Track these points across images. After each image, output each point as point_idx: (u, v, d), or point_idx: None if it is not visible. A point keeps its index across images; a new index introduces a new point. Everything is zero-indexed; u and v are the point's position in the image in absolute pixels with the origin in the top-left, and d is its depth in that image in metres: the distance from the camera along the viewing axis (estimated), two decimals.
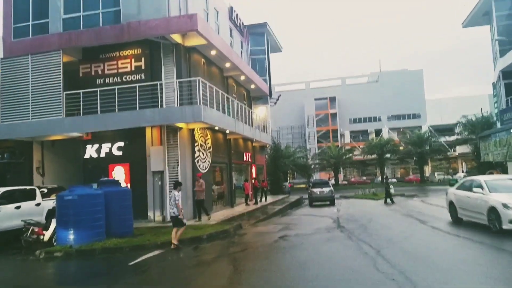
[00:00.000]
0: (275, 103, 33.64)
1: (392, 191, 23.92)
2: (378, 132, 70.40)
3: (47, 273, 8.88)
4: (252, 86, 26.01)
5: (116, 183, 13.04)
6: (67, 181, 18.16)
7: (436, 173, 59.44)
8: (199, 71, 17.87)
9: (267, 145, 30.78)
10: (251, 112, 24.06)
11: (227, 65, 20.76)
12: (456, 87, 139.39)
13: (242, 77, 23.50)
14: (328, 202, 24.92)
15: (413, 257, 8.03)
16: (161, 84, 15.68)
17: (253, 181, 24.06)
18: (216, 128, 18.59)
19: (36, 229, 11.90)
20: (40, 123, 16.22)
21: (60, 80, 16.37)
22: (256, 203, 22.55)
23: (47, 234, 11.61)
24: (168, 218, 15.93)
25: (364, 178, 62.33)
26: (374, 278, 6.39)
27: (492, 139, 23.60)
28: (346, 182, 59.97)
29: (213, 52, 18.72)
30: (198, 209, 15.67)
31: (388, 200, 23.41)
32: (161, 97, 15.56)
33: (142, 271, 8.02)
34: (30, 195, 13.87)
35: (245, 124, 21.68)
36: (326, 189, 25.34)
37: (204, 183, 15.75)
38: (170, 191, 16.04)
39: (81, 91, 16.08)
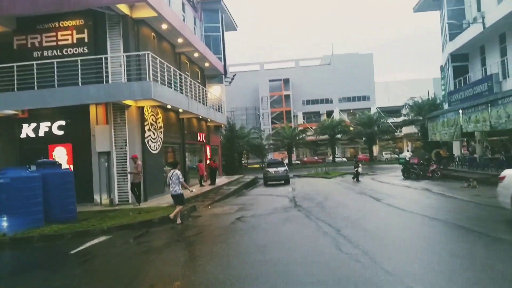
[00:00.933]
0: (230, 83, 32.79)
1: (360, 170, 24.67)
2: (329, 114, 71.76)
3: None
4: (207, 64, 25.03)
5: (56, 164, 11.87)
6: (3, 163, 16.47)
7: (383, 153, 61.81)
8: (148, 45, 16.70)
9: (222, 126, 30.06)
10: (206, 91, 23.16)
11: (180, 40, 19.66)
12: (403, 72, 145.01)
13: (196, 54, 22.45)
14: (283, 182, 25.01)
15: (374, 236, 7.87)
16: (106, 58, 14.43)
17: (207, 161, 23.36)
18: (168, 106, 17.64)
19: None
20: None
21: None
22: (212, 183, 21.95)
23: None
24: (117, 202, 15.08)
25: (316, 158, 63.48)
26: (338, 259, 6.10)
27: (440, 119, 24.47)
28: (299, 162, 60.79)
29: (164, 26, 17.56)
30: (134, 193, 14.66)
31: (356, 179, 24.25)
32: (107, 72, 14.36)
33: (85, 261, 7.22)
34: None
35: (199, 103, 20.82)
36: (281, 169, 25.31)
37: (141, 165, 14.75)
38: (118, 172, 15.16)
39: (15, 64, 14.44)
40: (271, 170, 25.34)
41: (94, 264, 7.01)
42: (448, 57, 26.26)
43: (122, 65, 14.41)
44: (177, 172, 11.04)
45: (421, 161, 24.95)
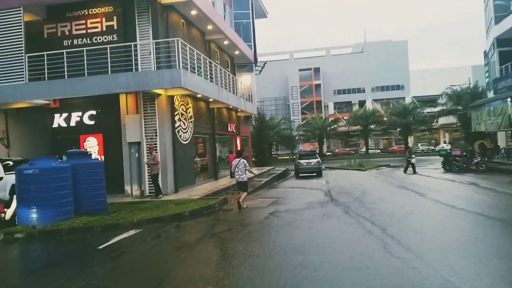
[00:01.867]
0: (260, 71, 32.06)
1: (413, 161, 23.32)
2: (361, 104, 69.87)
3: (1, 259, 7.59)
4: (237, 52, 24.39)
5: (86, 154, 11.62)
6: (35, 153, 16.52)
7: (419, 144, 59.52)
8: (178, 33, 16.21)
9: (252, 116, 29.45)
10: (236, 80, 22.55)
11: (209, 27, 19.08)
12: (439, 60, 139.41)
13: (226, 42, 21.85)
14: (315, 174, 24.30)
15: (425, 237, 7.06)
16: (135, 46, 14.04)
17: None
18: (198, 95, 17.17)
19: None
20: (1, 89, 14.46)
21: (22, 40, 14.53)
22: None
23: (9, 212, 10.24)
24: (147, 193, 14.79)
25: (348, 149, 61.96)
26: (390, 265, 5.36)
27: (486, 108, 22.85)
28: (330, 153, 59.54)
29: (193, 12, 17.02)
30: (155, 185, 14.26)
31: (410, 170, 23.06)
32: (136, 60, 13.97)
33: (113, 257, 6.81)
34: None
35: (230, 93, 20.25)
36: (313, 161, 24.53)
37: (158, 156, 14.30)
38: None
39: (45, 53, 14.29)
40: (303, 161, 24.59)
41: (122, 262, 6.58)
42: (494, 41, 24.44)
43: (152, 52, 13.97)
44: (243, 160, 11.85)
45: (464, 153, 23.51)
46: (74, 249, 7.85)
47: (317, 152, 29.92)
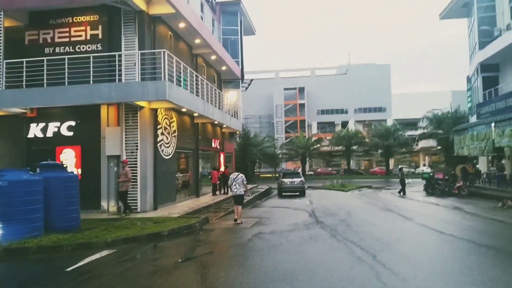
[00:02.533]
0: (246, 88, 31.88)
1: (408, 181, 22.85)
2: (344, 124, 70.40)
3: None
4: (223, 68, 24.16)
5: (60, 167, 10.97)
6: (8, 164, 15.70)
7: (400, 166, 60.05)
8: (165, 45, 15.85)
9: (237, 132, 29.07)
10: (222, 95, 22.23)
11: (197, 41, 18.81)
12: (420, 84, 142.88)
13: (213, 57, 21.59)
14: (298, 193, 23.96)
15: (419, 265, 6.71)
16: (120, 56, 13.60)
17: (221, 169, 22.35)
18: (183, 110, 16.73)
19: None
20: None
21: (0, 45, 13.90)
22: (225, 192, 20.91)
23: None
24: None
25: (330, 169, 62.02)
26: None
27: (469, 132, 23.06)
28: (312, 173, 59.38)
29: (181, 25, 16.74)
30: (123, 202, 13.59)
31: (402, 192, 22.75)
32: (120, 71, 13.52)
33: (81, 282, 6.20)
34: None
35: (215, 108, 19.88)
36: (297, 180, 24.20)
37: (130, 172, 13.60)
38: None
39: (24, 59, 13.71)
40: (287, 180, 24.22)
41: (92, 287, 5.98)
42: (478, 66, 24.89)
43: (137, 63, 13.54)
44: (242, 175, 12.37)
45: (446, 177, 23.62)
46: (39, 270, 7.19)
47: (299, 171, 29.60)
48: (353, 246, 8.17)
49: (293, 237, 9.46)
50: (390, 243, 8.62)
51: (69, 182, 10.58)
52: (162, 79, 13.07)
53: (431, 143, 57.81)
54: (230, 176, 12.89)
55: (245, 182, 12.28)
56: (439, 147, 54.27)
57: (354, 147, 55.76)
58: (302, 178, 24.65)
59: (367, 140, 55.35)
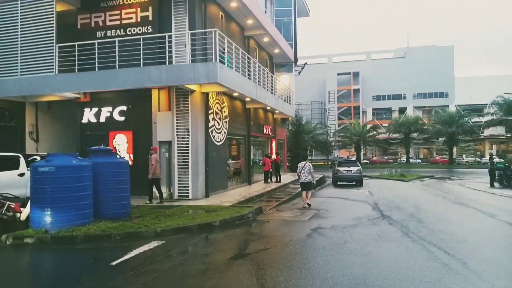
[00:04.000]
0: (299, 72, 30.56)
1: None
2: (402, 110, 66.81)
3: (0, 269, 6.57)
4: (276, 51, 23.07)
5: (110, 152, 10.57)
6: (64, 148, 16.00)
7: (464, 155, 55.94)
8: (216, 26, 15.06)
9: (290, 118, 27.99)
10: (275, 79, 21.18)
11: (249, 22, 17.87)
12: (486, 67, 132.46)
13: (266, 39, 20.57)
14: (354, 183, 22.63)
15: None
16: (170, 37, 12.98)
17: (274, 156, 21.44)
18: (235, 94, 15.98)
19: (12, 205, 9.66)
20: (29, 80, 13.84)
21: (53, 29, 13.82)
22: (278, 181, 20.04)
23: (24, 212, 9.34)
24: (176, 196, 13.66)
25: (386, 157, 59.18)
26: None
27: None
28: (367, 161, 56.96)
29: (233, 4, 15.87)
30: (150, 190, 13.00)
31: (496, 183, 20.58)
32: (170, 53, 12.92)
33: (124, 279, 5.59)
34: (12, 164, 11.67)
35: (268, 92, 18.91)
36: (354, 169, 22.82)
37: (156, 158, 12.92)
38: (179, 164, 13.80)
39: (76, 43, 13.53)
40: (343, 169, 22.90)
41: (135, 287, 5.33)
42: None
43: (187, 45, 12.88)
44: (309, 164, 13.27)
45: None
46: (84, 263, 6.70)
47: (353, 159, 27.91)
48: (433, 249, 6.93)
49: (358, 234, 8.35)
50: (479, 246, 7.26)
51: (119, 168, 10.17)
52: (213, 60, 12.30)
53: (498, 130, 53.30)
54: (298, 165, 13.50)
55: (312, 170, 13.13)
56: (509, 135, 49.84)
57: (414, 135, 52.49)
58: (360, 167, 23.19)
59: (428, 127, 51.84)
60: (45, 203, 8.41)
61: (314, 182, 13.40)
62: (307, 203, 12.83)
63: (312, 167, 13.23)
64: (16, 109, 15.69)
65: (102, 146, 11.13)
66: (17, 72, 14.07)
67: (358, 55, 76.30)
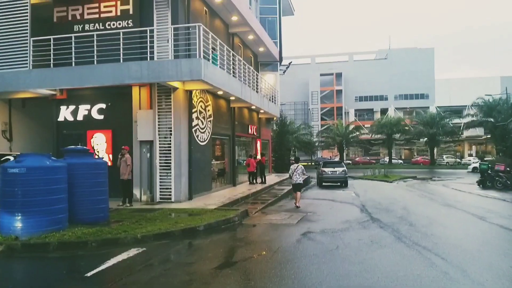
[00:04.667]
0: (284, 72, 30.22)
1: None
2: (383, 111, 67.34)
3: None
4: (261, 49, 22.66)
5: (86, 152, 9.93)
6: (40, 148, 15.16)
7: (444, 156, 56.71)
8: (199, 21, 14.37)
9: (274, 118, 27.61)
10: (259, 78, 20.75)
11: (234, 18, 17.39)
12: (466, 69, 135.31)
13: (251, 36, 20.13)
14: (339, 184, 22.41)
15: None
16: (151, 31, 12.39)
17: (258, 157, 21.02)
18: (219, 92, 15.50)
19: None
20: (1, 75, 13.01)
21: (27, 22, 13.04)
22: (263, 182, 19.61)
23: None
24: (158, 199, 13.07)
25: (369, 158, 59.54)
26: None
27: None
28: (350, 162, 57.15)
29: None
30: (129, 191, 12.52)
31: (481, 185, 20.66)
32: (152, 48, 12.31)
33: None
34: None
35: (253, 91, 18.47)
36: (339, 169, 22.58)
37: (130, 158, 12.47)
38: (161, 165, 13.23)
39: (51, 37, 12.78)
40: (328, 170, 22.64)
41: None
42: None
43: (170, 40, 12.32)
44: (301, 166, 13.69)
45: (508, 168, 21.22)
46: (56, 274, 6.14)
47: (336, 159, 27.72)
48: (430, 255, 6.62)
49: (349, 239, 7.99)
50: (475, 252, 6.98)
51: (96, 169, 9.54)
52: (197, 56, 11.78)
53: (477, 131, 54.23)
54: (291, 167, 13.84)
55: (304, 172, 13.67)
56: (488, 136, 50.73)
57: (396, 136, 52.92)
58: (345, 168, 22.97)
59: (410, 128, 52.33)
60: (16, 207, 7.77)
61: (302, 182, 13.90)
62: (296, 205, 13.02)
63: (304, 170, 13.72)
64: None
65: (78, 146, 10.47)
66: None
67: (341, 56, 76.64)
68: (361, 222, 10.01)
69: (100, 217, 9.34)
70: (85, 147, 10.04)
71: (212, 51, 13.84)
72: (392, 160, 53.26)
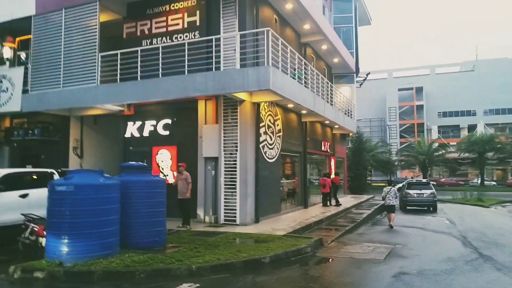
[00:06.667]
0: (361, 84, 28.19)
1: None
2: (471, 128, 61.16)
3: None
4: (335, 60, 21.06)
5: (144, 169, 9.10)
6: (109, 165, 14.98)
7: None
8: None
9: (350, 134, 25.56)
10: (334, 89, 19.10)
11: (307, 26, 16.12)
12: None
13: (324, 46, 18.67)
14: (426, 208, 19.82)
15: None
16: (217, 40, 11.51)
17: (332, 176, 19.20)
18: (289, 105, 14.24)
19: (36, 228, 8.47)
20: (71, 92, 13.00)
21: (96, 38, 12.95)
22: (337, 204, 17.73)
23: None
24: (222, 221, 11.88)
25: (455, 179, 53.91)
26: None
27: None
28: (434, 183, 52.06)
29: (289, 6, 14.24)
30: (183, 212, 11.36)
31: None
32: (218, 58, 11.42)
33: None
34: (46, 181, 10.64)
35: (327, 104, 16.88)
36: (426, 192, 20.01)
37: (189, 176, 11.40)
38: (226, 184, 12.16)
39: (118, 51, 12.52)
40: (413, 192, 20.14)
41: None
42: None
43: (236, 48, 11.33)
44: (394, 189, 14.18)
45: None
46: None
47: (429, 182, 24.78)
48: None
49: (460, 286, 6.02)
50: None
51: (154, 188, 8.65)
52: (265, 64, 10.61)
53: None
54: (384, 189, 14.26)
55: (397, 194, 14.19)
56: None
57: (489, 154, 47.26)
58: (433, 190, 20.27)
59: (506, 145, 46.40)
60: (63, 230, 7.03)
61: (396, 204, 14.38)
62: (390, 225, 13.43)
63: (397, 192, 14.25)
64: (61, 123, 15.03)
65: (134, 162, 9.73)
66: (59, 84, 13.33)
67: (420, 69, 71.83)
68: (469, 261, 7.86)
69: (156, 241, 8.37)
70: (142, 163, 9.29)
71: (295, 70, 12.81)
72: (484, 182, 47.50)
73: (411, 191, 20.15)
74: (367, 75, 28.63)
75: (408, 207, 20.10)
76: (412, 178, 49.76)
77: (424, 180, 25.39)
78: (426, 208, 20.02)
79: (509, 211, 20.48)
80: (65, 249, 6.95)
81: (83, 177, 7.30)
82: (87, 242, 7.04)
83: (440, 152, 46.67)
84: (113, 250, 7.41)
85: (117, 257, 7.23)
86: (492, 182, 51.64)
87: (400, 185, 25.95)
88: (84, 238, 7.04)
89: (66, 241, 6.96)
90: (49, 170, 10.99)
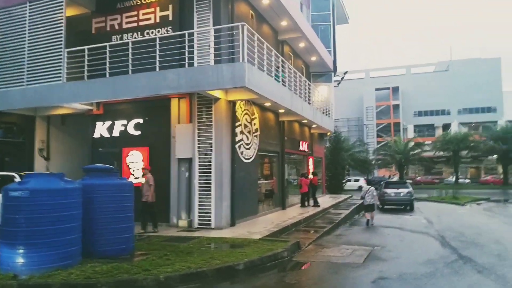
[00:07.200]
0: (339, 83, 28.07)
1: None
2: (446, 127, 62.44)
3: None
4: (313, 58, 20.82)
5: (110, 171, 8.51)
6: (76, 167, 14.22)
7: None
8: None
9: (328, 134, 25.40)
10: (312, 88, 18.82)
11: (284, 23, 15.79)
12: None
13: (302, 44, 18.39)
14: (403, 207, 19.88)
15: None
16: (190, 35, 11.00)
17: (310, 176, 18.95)
18: (267, 104, 13.86)
19: None
20: (36, 90, 12.26)
21: (62, 34, 12.24)
22: (316, 205, 17.46)
23: None
24: (196, 225, 11.36)
25: (430, 177, 54.84)
26: None
27: None
28: (410, 181, 52.80)
29: (265, 1, 13.86)
30: (143, 216, 10.84)
31: None
32: (191, 53, 10.91)
33: None
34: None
35: (305, 103, 16.58)
36: (403, 191, 20.03)
37: (153, 179, 11.03)
38: (200, 186, 11.68)
39: (86, 47, 11.85)
40: (390, 191, 20.11)
41: None
42: None
43: (210, 44, 10.85)
44: (373, 188, 14.54)
45: None
46: None
47: (395, 179, 24.76)
48: None
49: None
50: None
51: (120, 191, 8.08)
52: (240, 60, 10.18)
53: None
54: (363, 189, 15.00)
55: (375, 194, 14.43)
56: None
57: (463, 152, 48.21)
58: (410, 189, 20.30)
59: (479, 144, 47.40)
60: (18, 239, 6.41)
61: (377, 203, 14.98)
62: (370, 222, 13.73)
63: (375, 191, 14.57)
64: (26, 123, 14.19)
65: (100, 165, 9.12)
66: (23, 82, 12.55)
67: (397, 69, 72.84)
68: (449, 263, 7.64)
69: (123, 249, 7.82)
70: (107, 165, 8.70)
71: (276, 69, 12.49)
72: (459, 180, 48.44)
73: (388, 190, 20.15)
74: (344, 74, 28.58)
75: (385, 206, 20.04)
76: (390, 177, 50.37)
77: (402, 180, 25.53)
78: (403, 207, 20.02)
79: (483, 209, 20.70)
80: (20, 260, 6.34)
81: (40, 182, 6.69)
82: (44, 252, 6.45)
83: (416, 151, 47.31)
84: (74, 260, 6.83)
85: (78, 267, 6.66)
86: (466, 180, 52.72)
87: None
88: (41, 248, 6.44)
89: (21, 251, 6.36)
90: (10, 174, 10.25)
